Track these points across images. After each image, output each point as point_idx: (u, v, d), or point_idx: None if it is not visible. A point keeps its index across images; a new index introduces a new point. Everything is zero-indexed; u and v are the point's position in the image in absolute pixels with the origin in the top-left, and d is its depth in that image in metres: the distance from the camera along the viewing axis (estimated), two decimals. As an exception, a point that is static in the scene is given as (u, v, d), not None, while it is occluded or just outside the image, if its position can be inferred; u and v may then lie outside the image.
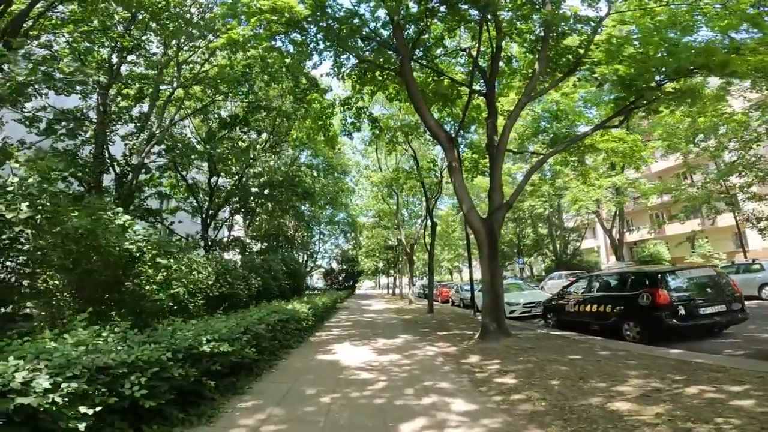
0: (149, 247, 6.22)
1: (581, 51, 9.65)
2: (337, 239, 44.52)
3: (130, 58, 13.50)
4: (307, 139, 16.64)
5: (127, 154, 15.27)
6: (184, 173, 20.37)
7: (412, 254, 22.62)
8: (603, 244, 44.35)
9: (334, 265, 46.19)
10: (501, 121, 10.58)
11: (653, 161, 19.27)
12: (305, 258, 41.28)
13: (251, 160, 20.88)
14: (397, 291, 42.91)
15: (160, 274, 6.93)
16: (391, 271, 46.95)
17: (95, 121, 12.51)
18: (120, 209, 6.55)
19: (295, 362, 6.83)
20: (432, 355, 7.29)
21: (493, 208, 9.29)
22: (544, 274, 46.39)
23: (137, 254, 5.89)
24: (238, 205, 21.29)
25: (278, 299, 13.08)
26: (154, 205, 20.72)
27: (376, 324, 12.98)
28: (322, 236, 42.53)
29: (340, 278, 44.18)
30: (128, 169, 13.20)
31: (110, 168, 14.44)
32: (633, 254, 41.36)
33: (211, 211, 20.79)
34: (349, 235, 44.62)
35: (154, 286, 6.73)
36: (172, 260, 7.85)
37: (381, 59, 10.42)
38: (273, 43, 10.55)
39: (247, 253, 15.65)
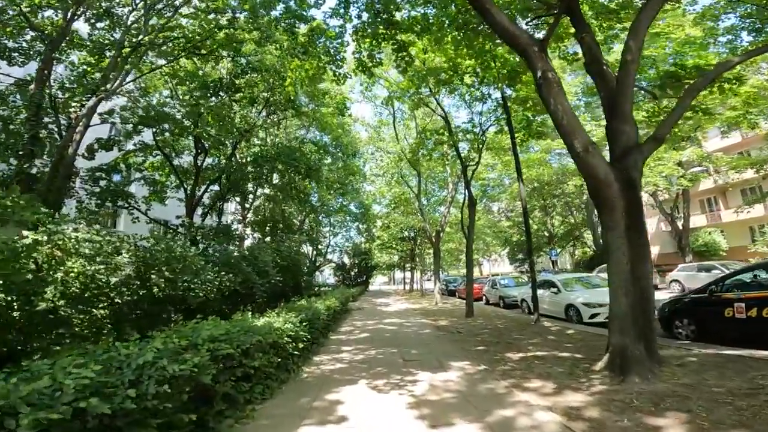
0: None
1: None
2: (348, 231, 40.86)
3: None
4: (308, 81, 12.80)
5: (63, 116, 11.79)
6: (167, 151, 17.00)
7: (438, 242, 18.68)
8: (643, 233, 39.62)
9: (346, 259, 42.51)
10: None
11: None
12: (314, 252, 37.77)
13: (245, 132, 17.24)
14: (416, 286, 39.10)
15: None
16: (407, 265, 43.11)
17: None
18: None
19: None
20: (544, 423, 3.42)
21: (620, 147, 5.32)
22: (569, 267, 41.94)
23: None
24: (227, 186, 17.68)
25: (268, 302, 9.37)
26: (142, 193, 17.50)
27: (403, 337, 9.11)
28: (332, 228, 39.00)
29: (352, 273, 40.46)
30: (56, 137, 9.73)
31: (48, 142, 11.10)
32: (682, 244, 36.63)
33: (197, 194, 17.37)
34: (361, 226, 40.90)
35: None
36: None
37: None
38: None
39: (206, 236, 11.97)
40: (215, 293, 6.83)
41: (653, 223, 38.70)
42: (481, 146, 12.71)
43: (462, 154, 13.35)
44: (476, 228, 34.49)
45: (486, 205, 37.54)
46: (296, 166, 15.65)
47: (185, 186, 17.06)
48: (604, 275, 16.87)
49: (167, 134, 16.17)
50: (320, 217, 34.98)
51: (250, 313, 5.47)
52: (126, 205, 15.52)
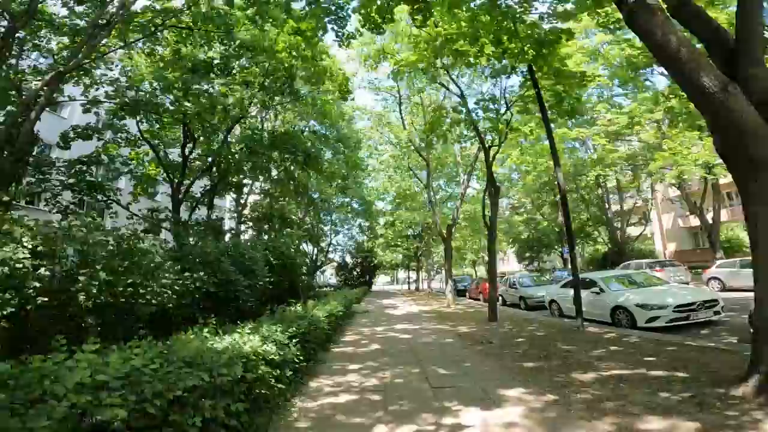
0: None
1: None
2: (350, 229, 39.16)
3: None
4: (305, 46, 11.16)
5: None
6: (154, 143, 15.43)
7: (450, 238, 16.95)
8: (657, 229, 37.95)
9: (348, 258, 40.83)
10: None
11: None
12: (315, 250, 36.07)
13: (239, 119, 15.57)
14: (422, 286, 37.43)
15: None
16: (413, 264, 41.41)
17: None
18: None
19: None
20: None
21: (759, 94, 3.62)
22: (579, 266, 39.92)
23: None
24: (217, 177, 16.02)
25: (259, 307, 7.70)
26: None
27: (423, 350, 7.38)
28: (333, 226, 37.34)
29: (355, 273, 38.77)
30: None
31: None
32: (702, 240, 34.87)
33: (183, 186, 15.73)
34: (363, 224, 39.21)
35: None
36: None
37: None
38: None
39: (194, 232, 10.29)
40: (177, 299, 5.10)
41: (669, 219, 36.95)
42: (507, 124, 10.96)
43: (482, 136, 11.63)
44: (477, 226, 32.88)
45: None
46: (293, 153, 13.97)
47: (171, 176, 15.45)
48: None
49: (154, 123, 14.59)
50: (321, 214, 33.34)
51: (209, 330, 3.73)
52: (105, 199, 13.90)
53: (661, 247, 38.03)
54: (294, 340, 4.32)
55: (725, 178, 25.02)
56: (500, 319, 10.78)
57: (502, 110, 11.05)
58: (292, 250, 10.84)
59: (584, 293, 10.38)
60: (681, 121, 17.64)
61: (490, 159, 11.13)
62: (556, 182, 10.67)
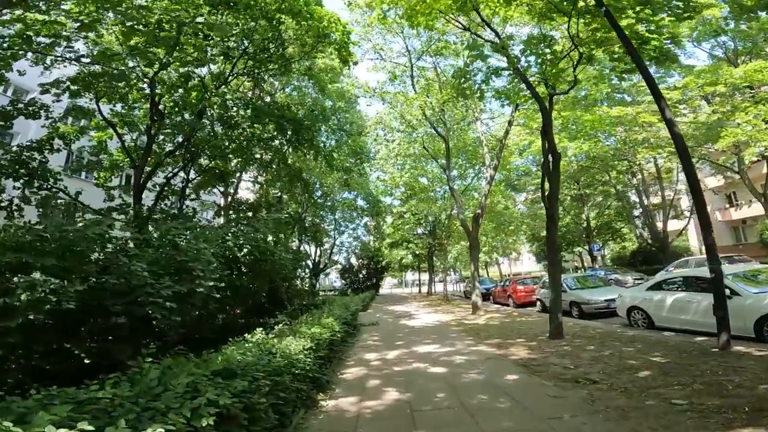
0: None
1: None
2: (356, 229, 36.09)
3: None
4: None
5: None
6: (115, 122, 12.67)
7: (477, 231, 13.75)
8: (692, 224, 34.39)
9: (353, 260, 37.71)
10: None
11: None
12: (317, 252, 33.04)
13: (221, 89, 12.60)
14: (435, 289, 34.13)
15: None
16: (423, 266, 38.10)
17: None
18: None
19: None
20: None
21: None
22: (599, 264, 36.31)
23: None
24: (188, 157, 13.06)
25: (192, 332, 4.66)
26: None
27: (485, 409, 4.16)
28: (337, 226, 34.36)
29: (361, 276, 35.62)
30: None
31: None
32: (743, 235, 31.33)
33: (147, 169, 12.82)
34: (369, 223, 36.11)
35: None
36: None
37: None
38: None
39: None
40: None
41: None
42: (575, 66, 7.84)
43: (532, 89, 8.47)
44: (503, 216, 29.27)
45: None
46: (280, 125, 10.94)
47: (134, 161, 12.59)
48: (681, 270, 11.70)
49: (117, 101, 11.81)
50: (324, 212, 30.37)
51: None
52: (48, 188, 10.99)
53: (697, 243, 34.52)
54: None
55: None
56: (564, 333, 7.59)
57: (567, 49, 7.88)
58: (273, 241, 7.81)
59: (684, 296, 7.22)
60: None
61: (549, 110, 7.96)
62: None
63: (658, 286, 8.17)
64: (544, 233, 35.97)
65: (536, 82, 8.75)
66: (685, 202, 31.25)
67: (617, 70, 8.94)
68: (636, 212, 31.64)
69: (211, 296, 4.61)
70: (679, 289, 7.59)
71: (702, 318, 6.75)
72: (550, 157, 7.86)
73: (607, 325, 9.22)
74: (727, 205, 31.80)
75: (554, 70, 8.29)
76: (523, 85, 9.40)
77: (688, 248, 33.69)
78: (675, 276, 8.31)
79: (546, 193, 7.91)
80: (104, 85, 10.62)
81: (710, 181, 28.79)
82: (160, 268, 4.56)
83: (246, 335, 4.31)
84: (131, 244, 4.71)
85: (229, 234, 6.96)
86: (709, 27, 16.84)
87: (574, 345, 6.77)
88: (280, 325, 4.96)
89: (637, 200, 32.13)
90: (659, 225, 27.01)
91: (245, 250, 6.88)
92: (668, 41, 8.17)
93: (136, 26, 8.68)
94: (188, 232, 5.71)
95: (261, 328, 3.99)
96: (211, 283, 4.56)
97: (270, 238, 13.34)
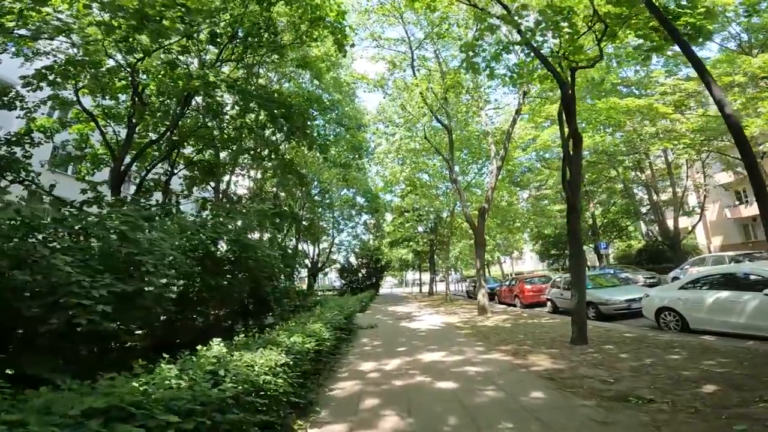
0: None
1: None
2: (355, 227, 35.16)
3: None
4: None
5: None
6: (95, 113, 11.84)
7: (482, 225, 12.79)
8: (701, 221, 33.47)
9: (352, 259, 36.73)
10: None
11: None
12: (316, 250, 32.11)
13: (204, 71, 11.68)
14: (437, 289, 33.14)
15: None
16: (424, 265, 37.10)
17: None
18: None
19: None
20: None
21: None
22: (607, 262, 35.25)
23: None
24: (170, 144, 12.16)
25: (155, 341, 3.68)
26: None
27: None
28: (336, 225, 33.45)
29: (360, 275, 34.62)
30: None
31: None
32: (752, 232, 30.37)
33: (127, 158, 11.96)
34: (369, 221, 35.16)
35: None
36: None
37: None
38: None
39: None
40: None
41: (714, 210, 32.57)
42: (599, 39, 6.90)
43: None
44: (508, 212, 28.17)
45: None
46: (266, 107, 9.99)
47: (113, 150, 11.77)
48: (697, 269, 10.62)
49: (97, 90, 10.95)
50: (322, 210, 29.44)
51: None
52: (19, 179, 10.06)
53: (705, 241, 33.64)
54: None
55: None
56: (595, 339, 6.63)
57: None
58: (269, 239, 6.88)
59: (737, 295, 6.27)
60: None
61: (571, 85, 7.01)
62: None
63: (692, 285, 7.23)
64: (547, 231, 34.96)
65: (554, 61, 7.80)
66: (693, 200, 30.34)
67: (641, 50, 8.02)
68: (643, 209, 30.70)
69: (164, 296, 3.67)
70: (720, 287, 6.65)
71: (752, 320, 5.82)
72: (572, 139, 6.91)
73: (631, 327, 8.28)
74: (737, 202, 30.92)
75: (575, 44, 7.35)
76: (537, 63, 8.49)
77: (696, 246, 32.78)
78: (713, 273, 7.36)
79: (566, 180, 6.96)
80: (81, 71, 9.76)
81: (721, 177, 27.87)
82: (100, 262, 3.62)
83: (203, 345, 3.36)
84: (66, 235, 3.77)
85: (206, 226, 6.01)
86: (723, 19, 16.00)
87: (603, 352, 5.82)
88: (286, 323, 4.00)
89: (644, 197, 31.24)
90: (668, 222, 26.07)
91: (224, 245, 5.94)
92: (702, 14, 7.24)
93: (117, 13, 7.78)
94: (152, 223, 4.75)
95: (219, 339, 3.02)
96: (164, 280, 3.62)
97: (267, 236, 12.44)
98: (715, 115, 17.72)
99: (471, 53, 7.63)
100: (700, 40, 7.90)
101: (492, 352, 6.48)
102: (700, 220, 26.06)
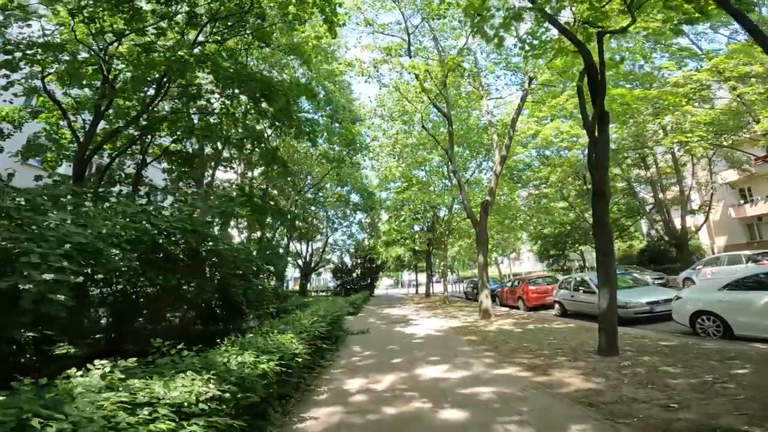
0: None
1: None
2: (349, 226, 34.07)
3: None
4: None
5: None
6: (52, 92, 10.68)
7: (485, 221, 11.70)
8: (706, 221, 32.60)
9: (347, 259, 35.64)
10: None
11: None
12: (309, 250, 30.98)
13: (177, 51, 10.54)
14: (434, 290, 32.06)
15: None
16: (420, 265, 35.96)
17: None
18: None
19: None
20: None
21: None
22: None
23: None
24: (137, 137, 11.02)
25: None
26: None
27: None
28: (330, 224, 32.38)
29: (354, 276, 33.49)
30: None
31: None
32: (757, 232, 29.55)
33: (91, 146, 10.82)
34: (364, 220, 34.04)
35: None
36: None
37: None
38: None
39: None
40: None
41: (718, 209, 31.75)
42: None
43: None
44: (506, 210, 27.11)
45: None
46: (241, 82, 8.86)
47: (78, 135, 10.65)
48: (711, 269, 9.58)
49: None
50: (314, 208, 28.36)
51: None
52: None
53: (709, 241, 32.82)
54: None
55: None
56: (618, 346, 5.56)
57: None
58: (267, 238, 5.82)
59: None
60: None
61: (600, 52, 5.93)
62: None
63: (735, 286, 6.19)
64: (547, 231, 33.79)
65: (574, 29, 6.75)
66: (696, 198, 29.50)
67: (672, 23, 6.99)
68: (647, 208, 29.82)
69: (48, 298, 2.58)
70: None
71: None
72: (599, 118, 5.84)
73: (660, 333, 7.23)
74: (741, 201, 30.11)
75: (601, 6, 6.30)
76: (551, 33, 7.47)
77: (700, 246, 31.93)
78: (761, 272, 6.32)
79: (591, 163, 5.90)
80: (48, 56, 8.64)
81: (728, 174, 27.01)
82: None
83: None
84: None
85: (160, 214, 4.88)
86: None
87: (643, 365, 4.75)
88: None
89: (646, 196, 30.35)
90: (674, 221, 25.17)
91: (176, 234, 4.81)
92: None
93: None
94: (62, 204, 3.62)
95: (101, 362, 1.91)
96: (51, 276, 2.53)
97: (250, 235, 11.17)
98: (726, 110, 16.89)
99: (478, 17, 6.55)
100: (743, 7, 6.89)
101: (505, 366, 5.38)
102: (707, 219, 25.14)
